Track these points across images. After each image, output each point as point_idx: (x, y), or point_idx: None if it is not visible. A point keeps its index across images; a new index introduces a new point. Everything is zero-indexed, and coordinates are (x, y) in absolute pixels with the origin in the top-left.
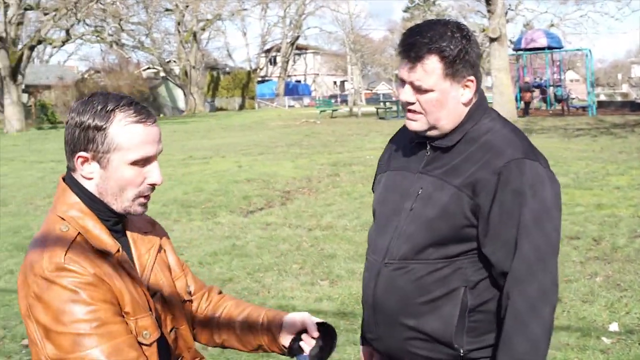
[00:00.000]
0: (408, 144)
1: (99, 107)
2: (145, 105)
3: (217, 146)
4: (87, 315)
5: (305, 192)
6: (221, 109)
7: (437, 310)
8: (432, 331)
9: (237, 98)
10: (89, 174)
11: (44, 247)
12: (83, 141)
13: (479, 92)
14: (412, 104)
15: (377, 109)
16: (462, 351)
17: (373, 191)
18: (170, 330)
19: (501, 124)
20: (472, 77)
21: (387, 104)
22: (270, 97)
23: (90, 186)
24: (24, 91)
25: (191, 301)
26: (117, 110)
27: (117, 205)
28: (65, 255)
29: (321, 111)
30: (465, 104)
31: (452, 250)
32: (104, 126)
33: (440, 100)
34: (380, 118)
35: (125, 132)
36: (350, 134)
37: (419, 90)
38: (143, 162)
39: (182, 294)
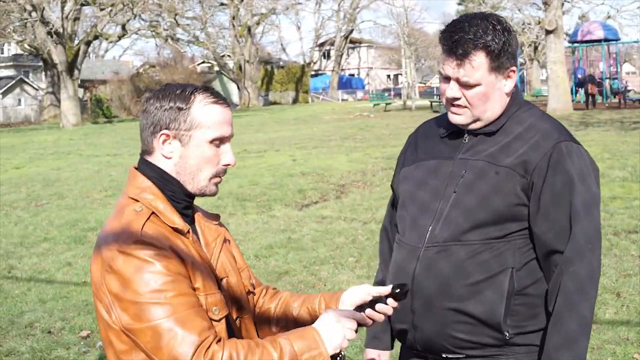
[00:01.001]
0: (436, 137)
1: (178, 92)
2: None
3: (271, 140)
4: (162, 285)
5: (360, 185)
6: (275, 103)
7: (486, 291)
8: (480, 313)
9: (291, 92)
10: (169, 152)
11: (119, 225)
12: (165, 120)
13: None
14: (458, 99)
15: (431, 102)
16: (508, 335)
17: (392, 187)
18: (236, 319)
19: (540, 111)
20: (513, 68)
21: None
22: (320, 90)
23: (167, 166)
24: (80, 86)
25: (254, 293)
26: (196, 92)
27: (193, 185)
28: (141, 230)
29: (375, 104)
30: (508, 94)
31: (502, 231)
32: (186, 107)
33: (486, 93)
34: (435, 111)
35: (205, 111)
36: (404, 127)
37: (465, 85)
38: (220, 141)
39: (246, 285)
